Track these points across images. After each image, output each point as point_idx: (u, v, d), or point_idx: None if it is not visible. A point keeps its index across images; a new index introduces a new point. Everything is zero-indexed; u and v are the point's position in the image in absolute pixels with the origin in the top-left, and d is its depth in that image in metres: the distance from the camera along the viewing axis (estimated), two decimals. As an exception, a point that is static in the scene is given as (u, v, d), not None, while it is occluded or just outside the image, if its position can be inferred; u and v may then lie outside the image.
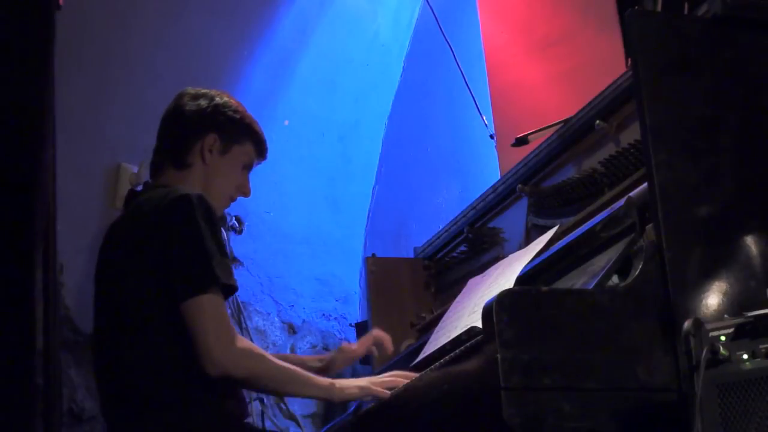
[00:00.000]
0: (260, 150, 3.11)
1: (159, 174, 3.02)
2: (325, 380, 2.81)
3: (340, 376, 4.33)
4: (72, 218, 3.77)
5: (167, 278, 2.69)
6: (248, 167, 3.09)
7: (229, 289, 2.75)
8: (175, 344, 2.69)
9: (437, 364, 2.48)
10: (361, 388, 2.81)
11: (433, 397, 2.45)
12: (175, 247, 2.70)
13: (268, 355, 2.79)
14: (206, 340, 2.61)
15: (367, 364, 4.13)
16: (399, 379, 2.79)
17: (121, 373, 2.76)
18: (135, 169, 3.99)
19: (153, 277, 2.72)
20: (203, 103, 3.03)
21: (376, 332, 3.13)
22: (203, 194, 2.79)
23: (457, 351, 2.38)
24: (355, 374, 4.41)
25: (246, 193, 3.11)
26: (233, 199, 3.09)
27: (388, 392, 2.77)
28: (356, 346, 3.23)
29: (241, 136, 3.05)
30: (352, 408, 3.04)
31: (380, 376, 2.87)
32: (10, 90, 1.31)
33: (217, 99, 3.05)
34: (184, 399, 2.69)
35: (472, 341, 2.28)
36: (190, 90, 3.08)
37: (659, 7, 2.72)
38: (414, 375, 2.76)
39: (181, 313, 2.65)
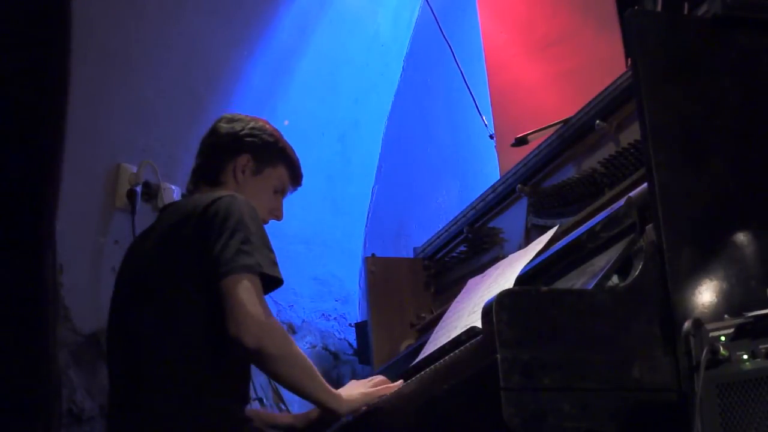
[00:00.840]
0: (294, 175, 3.19)
1: (193, 192, 3.09)
2: (335, 391, 2.83)
3: (339, 381, 4.33)
4: (71, 218, 3.76)
5: (205, 266, 2.71)
6: (281, 192, 3.18)
7: (273, 281, 2.78)
8: (199, 345, 2.72)
9: (437, 364, 2.48)
10: (364, 395, 2.83)
11: (432, 397, 2.45)
12: (219, 235, 2.73)
13: None
14: (246, 310, 2.63)
15: (367, 364, 4.14)
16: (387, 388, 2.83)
17: (139, 370, 2.79)
18: (134, 170, 4.00)
19: (190, 269, 2.76)
20: (238, 125, 3.13)
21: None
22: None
23: (456, 351, 2.38)
24: (354, 375, 4.41)
25: (278, 217, 3.19)
26: (265, 222, 3.12)
27: (393, 386, 2.79)
28: None
29: (274, 159, 3.13)
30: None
31: (370, 381, 2.93)
32: (24, 87, 1.31)
33: (252, 123, 3.15)
34: (197, 403, 2.70)
35: (472, 341, 2.28)
36: (228, 114, 3.21)
37: (659, 7, 2.72)
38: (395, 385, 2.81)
39: (218, 292, 2.67)
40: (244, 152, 3.09)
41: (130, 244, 3.12)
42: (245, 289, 2.66)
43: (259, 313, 2.65)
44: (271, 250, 2.80)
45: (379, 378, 2.95)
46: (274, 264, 2.78)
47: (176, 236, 2.85)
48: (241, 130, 3.11)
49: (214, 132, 3.15)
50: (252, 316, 2.63)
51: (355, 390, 2.88)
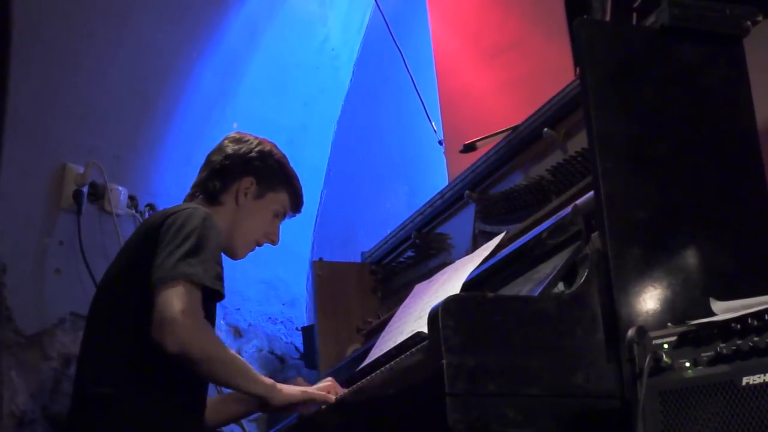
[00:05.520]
0: (295, 203, 3.21)
1: (189, 202, 3.09)
2: (268, 380, 2.84)
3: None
4: (15, 218, 3.72)
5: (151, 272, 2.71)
6: (280, 216, 3.18)
7: (214, 294, 2.76)
8: (145, 354, 2.71)
9: (383, 369, 2.48)
10: (303, 391, 2.84)
11: (378, 401, 2.45)
12: (168, 244, 2.73)
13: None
14: (173, 317, 2.60)
15: (313, 369, 4.13)
16: (330, 395, 2.82)
17: (94, 378, 2.78)
18: (81, 170, 3.96)
19: (141, 278, 2.74)
20: (246, 147, 3.14)
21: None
22: (211, 215, 2.86)
23: (402, 356, 2.38)
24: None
25: (274, 242, 3.20)
26: (259, 245, 3.17)
27: (332, 397, 2.79)
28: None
29: (278, 184, 3.15)
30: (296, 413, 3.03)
31: (316, 386, 2.92)
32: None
33: (260, 146, 3.16)
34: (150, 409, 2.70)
35: (418, 347, 2.28)
36: (236, 134, 3.22)
37: (608, 17, 2.74)
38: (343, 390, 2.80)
39: (153, 297, 2.66)
40: (248, 175, 3.10)
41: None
42: (174, 294, 2.63)
43: (184, 317, 2.61)
44: (218, 264, 2.78)
45: (328, 382, 2.93)
46: (218, 278, 2.76)
47: (136, 248, 2.88)
48: (248, 152, 3.12)
49: (220, 150, 3.16)
50: (175, 320, 2.60)
51: (296, 387, 2.88)
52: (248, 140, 3.17)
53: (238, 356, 2.83)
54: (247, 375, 2.79)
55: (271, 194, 3.13)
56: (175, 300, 2.62)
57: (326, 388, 2.87)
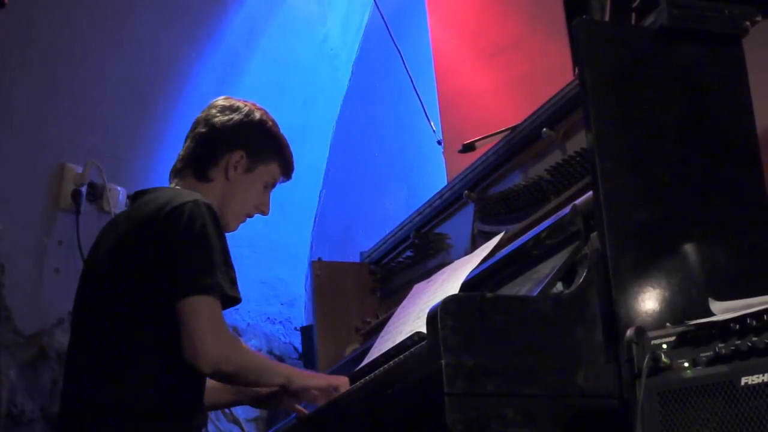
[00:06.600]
0: (286, 172, 3.08)
1: (177, 179, 2.97)
2: (286, 370, 2.84)
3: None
4: (14, 218, 3.72)
5: (164, 280, 2.64)
6: (270, 186, 3.06)
7: (231, 300, 2.72)
8: (154, 353, 2.67)
9: (381, 369, 2.48)
10: (314, 376, 2.88)
11: (376, 401, 2.45)
12: (181, 249, 2.66)
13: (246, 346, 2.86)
14: (203, 338, 2.57)
15: (312, 369, 4.12)
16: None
17: (92, 377, 2.72)
18: (79, 170, 3.96)
19: (147, 279, 2.68)
20: (236, 117, 2.97)
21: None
22: (211, 204, 2.76)
23: (401, 356, 2.38)
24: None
25: (264, 212, 3.09)
26: (250, 216, 3.06)
27: (345, 378, 2.79)
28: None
29: (269, 156, 3.01)
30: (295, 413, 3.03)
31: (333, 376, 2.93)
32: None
33: (250, 116, 2.99)
34: (149, 412, 2.68)
35: (417, 347, 2.28)
36: (223, 100, 3.03)
37: (607, 17, 2.74)
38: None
39: (176, 312, 2.60)
40: (238, 148, 2.94)
41: (100, 231, 2.98)
42: (203, 314, 2.60)
43: (213, 338, 2.59)
44: (231, 267, 2.72)
45: (344, 378, 2.91)
46: (234, 283, 2.71)
47: (135, 241, 2.76)
48: (238, 123, 2.96)
49: (207, 121, 2.97)
50: (208, 342, 2.57)
51: (314, 374, 2.93)
52: (237, 108, 3.00)
53: (259, 354, 2.88)
54: (269, 371, 2.79)
55: (262, 167, 2.99)
56: (200, 321, 2.58)
57: (342, 380, 2.85)
